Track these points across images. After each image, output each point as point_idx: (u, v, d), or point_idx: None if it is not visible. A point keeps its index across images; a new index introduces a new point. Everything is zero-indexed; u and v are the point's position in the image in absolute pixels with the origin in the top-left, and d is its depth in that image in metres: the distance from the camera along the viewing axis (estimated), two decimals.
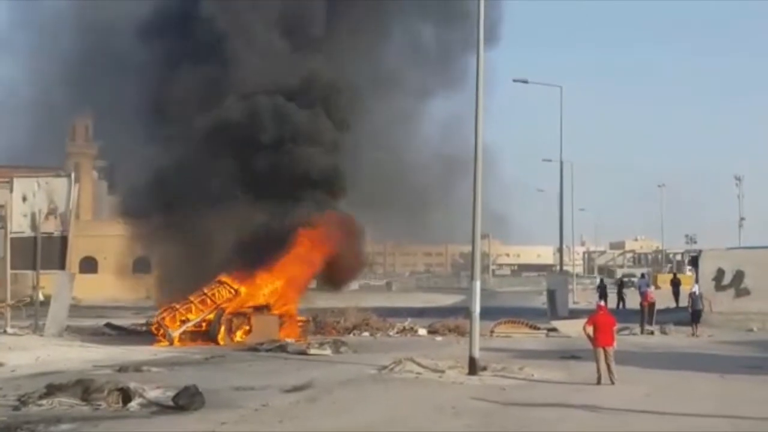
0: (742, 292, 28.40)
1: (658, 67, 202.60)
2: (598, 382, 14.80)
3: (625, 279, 50.81)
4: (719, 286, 28.70)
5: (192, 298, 23.52)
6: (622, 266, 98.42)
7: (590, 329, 15.32)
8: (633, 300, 34.42)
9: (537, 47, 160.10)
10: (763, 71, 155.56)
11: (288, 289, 25.28)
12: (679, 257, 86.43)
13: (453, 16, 29.38)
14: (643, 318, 28.05)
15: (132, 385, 13.09)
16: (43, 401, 12.15)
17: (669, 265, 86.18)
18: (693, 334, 26.27)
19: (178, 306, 23.46)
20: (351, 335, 25.08)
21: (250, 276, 24.31)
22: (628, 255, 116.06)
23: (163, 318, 23.04)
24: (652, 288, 32.88)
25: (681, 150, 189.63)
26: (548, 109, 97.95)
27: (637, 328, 26.86)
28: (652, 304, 29.15)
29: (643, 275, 40.89)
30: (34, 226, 24.25)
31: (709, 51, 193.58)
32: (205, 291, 23.63)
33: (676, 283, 37.37)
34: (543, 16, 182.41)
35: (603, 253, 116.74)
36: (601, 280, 46.05)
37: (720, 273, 28.82)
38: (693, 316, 27.47)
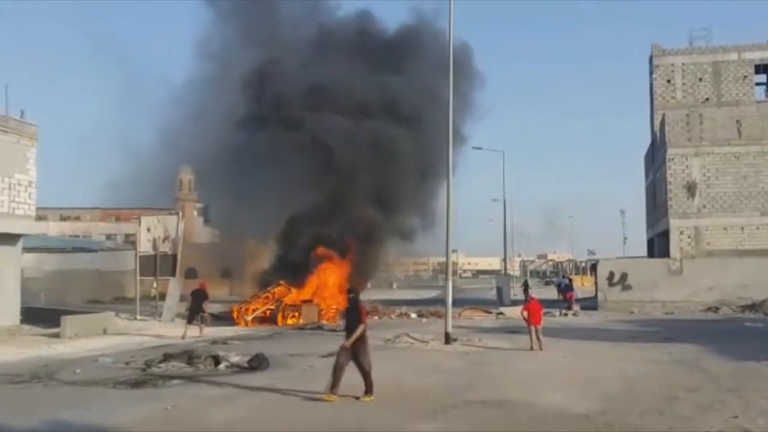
0: (626, 287, 28.19)
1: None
2: (531, 349, 14.76)
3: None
4: (611, 284, 28.52)
5: (260, 295, 23.50)
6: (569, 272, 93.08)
7: (525, 313, 15.34)
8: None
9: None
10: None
11: (327, 291, 25.20)
12: (584, 264, 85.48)
13: None
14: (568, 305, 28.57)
15: (221, 353, 13.11)
16: (162, 364, 12.20)
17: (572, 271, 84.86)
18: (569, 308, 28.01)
19: (250, 300, 23.43)
20: None
21: (302, 281, 24.26)
22: (550, 263, 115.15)
23: (241, 308, 23.02)
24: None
25: (584, 193, 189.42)
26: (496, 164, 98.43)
27: (556, 312, 26.68)
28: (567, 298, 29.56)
29: (563, 277, 41.63)
30: (154, 247, 24.32)
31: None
32: (269, 290, 23.62)
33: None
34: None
35: (533, 261, 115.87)
36: (525, 281, 46.23)
37: (611, 274, 28.62)
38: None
